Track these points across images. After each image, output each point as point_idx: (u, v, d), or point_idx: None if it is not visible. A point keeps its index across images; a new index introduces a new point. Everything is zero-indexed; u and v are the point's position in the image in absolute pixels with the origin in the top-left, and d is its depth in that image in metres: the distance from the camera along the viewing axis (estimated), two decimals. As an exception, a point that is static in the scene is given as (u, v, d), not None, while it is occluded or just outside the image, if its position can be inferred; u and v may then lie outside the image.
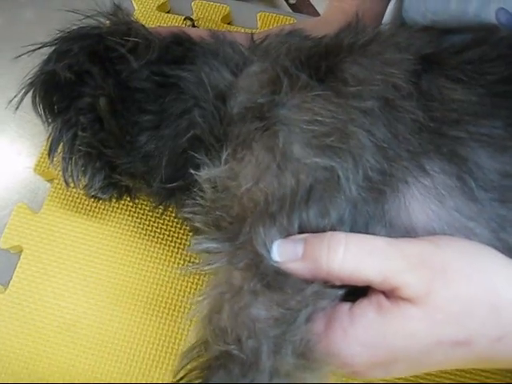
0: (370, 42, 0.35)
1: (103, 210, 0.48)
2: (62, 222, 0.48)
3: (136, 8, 0.58)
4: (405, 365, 0.28)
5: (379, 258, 0.26)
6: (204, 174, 0.32)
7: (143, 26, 0.40)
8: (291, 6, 1.62)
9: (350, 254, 0.26)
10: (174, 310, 0.44)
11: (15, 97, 0.40)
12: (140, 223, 0.47)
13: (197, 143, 0.35)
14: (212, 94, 0.35)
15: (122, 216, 0.48)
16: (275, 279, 0.27)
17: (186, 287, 0.45)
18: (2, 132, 0.54)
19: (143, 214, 0.48)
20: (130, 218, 0.47)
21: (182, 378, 0.28)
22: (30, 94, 0.40)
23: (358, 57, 0.33)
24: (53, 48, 0.39)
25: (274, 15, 0.57)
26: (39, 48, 0.40)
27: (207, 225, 0.32)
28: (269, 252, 0.28)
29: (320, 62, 0.34)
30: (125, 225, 0.47)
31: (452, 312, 0.26)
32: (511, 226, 0.29)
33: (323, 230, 0.29)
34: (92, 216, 0.48)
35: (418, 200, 0.30)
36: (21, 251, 0.47)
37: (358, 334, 0.27)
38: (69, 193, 0.49)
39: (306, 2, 1.59)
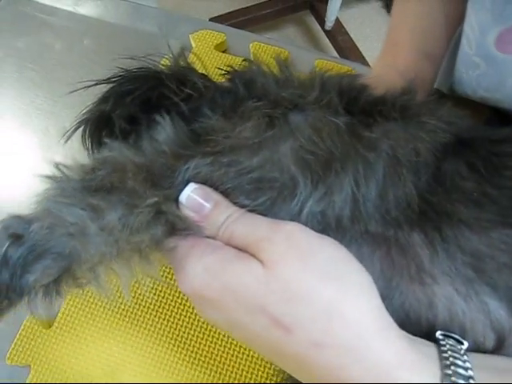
0: (415, 107, 0.34)
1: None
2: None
3: (194, 46, 0.59)
4: (228, 314, 0.28)
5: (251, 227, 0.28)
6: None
7: (200, 74, 0.39)
8: (326, 32, 1.62)
9: (238, 226, 0.29)
10: (218, 354, 0.44)
11: (68, 131, 0.40)
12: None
13: None
14: None
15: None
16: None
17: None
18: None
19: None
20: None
21: None
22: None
23: (397, 113, 0.33)
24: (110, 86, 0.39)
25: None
26: (96, 84, 0.40)
27: None
28: (182, 186, 0.30)
29: (360, 100, 0.33)
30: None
31: (288, 292, 0.26)
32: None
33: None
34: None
35: None
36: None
37: (208, 260, 0.28)
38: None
39: (342, 29, 1.59)
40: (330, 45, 1.63)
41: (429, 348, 0.27)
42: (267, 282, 0.26)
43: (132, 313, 0.45)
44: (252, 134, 0.31)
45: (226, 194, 0.30)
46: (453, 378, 0.24)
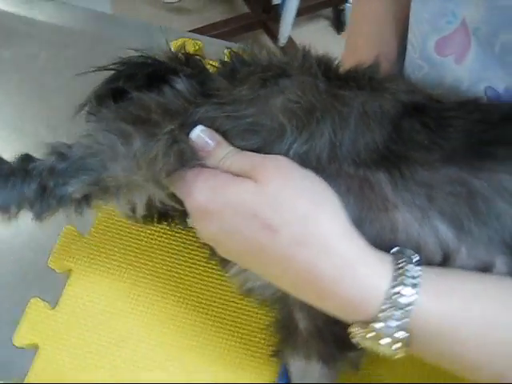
0: (380, 77, 0.41)
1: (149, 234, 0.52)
2: (110, 241, 0.51)
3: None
4: (226, 222, 0.34)
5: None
6: None
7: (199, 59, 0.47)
8: (280, 49, 1.72)
9: (236, 158, 0.36)
10: (225, 327, 0.48)
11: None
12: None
13: None
14: None
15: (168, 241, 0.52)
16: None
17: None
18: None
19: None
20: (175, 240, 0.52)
21: None
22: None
23: (366, 80, 0.40)
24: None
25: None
26: (103, 69, 0.45)
27: None
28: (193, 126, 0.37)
29: (335, 69, 0.41)
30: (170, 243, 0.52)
31: (275, 202, 0.33)
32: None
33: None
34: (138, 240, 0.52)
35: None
36: (70, 270, 0.50)
37: (212, 181, 0.35)
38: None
39: (294, 45, 1.69)
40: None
41: (386, 256, 0.34)
42: (259, 195, 0.34)
43: (135, 285, 0.50)
44: (248, 92, 0.38)
45: (225, 135, 0.37)
46: (402, 277, 0.31)
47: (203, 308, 0.49)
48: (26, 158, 0.37)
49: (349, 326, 0.35)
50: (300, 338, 0.44)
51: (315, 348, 0.43)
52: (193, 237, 0.52)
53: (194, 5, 1.86)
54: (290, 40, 1.68)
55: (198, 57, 0.46)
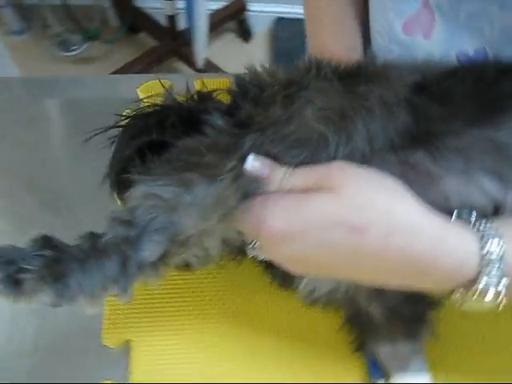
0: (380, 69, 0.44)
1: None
2: (156, 298, 0.50)
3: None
4: (310, 240, 0.35)
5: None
6: None
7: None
8: (199, 70, 1.73)
9: (295, 176, 0.37)
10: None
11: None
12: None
13: None
14: None
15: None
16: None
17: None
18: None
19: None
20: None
21: None
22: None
23: (371, 74, 0.43)
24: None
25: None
26: (109, 129, 0.45)
27: None
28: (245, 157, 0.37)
29: (341, 69, 0.43)
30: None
31: (355, 202, 0.35)
32: None
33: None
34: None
35: None
36: (127, 341, 0.48)
37: (282, 203, 0.36)
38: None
39: (210, 64, 1.71)
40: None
41: (459, 222, 0.36)
42: (337, 202, 0.35)
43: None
44: (282, 111, 0.39)
45: (275, 158, 0.38)
46: (486, 233, 0.35)
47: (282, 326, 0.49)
48: (92, 236, 0.35)
49: (419, 298, 0.38)
50: (379, 326, 0.46)
51: (396, 329, 0.45)
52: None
53: (97, 52, 1.83)
54: (206, 60, 1.70)
55: (206, 92, 0.47)
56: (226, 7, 1.85)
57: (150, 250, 0.34)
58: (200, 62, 1.66)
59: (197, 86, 0.65)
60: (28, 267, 0.31)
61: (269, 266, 0.47)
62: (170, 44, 1.75)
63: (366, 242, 0.34)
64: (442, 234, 0.35)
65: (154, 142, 0.41)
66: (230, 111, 0.41)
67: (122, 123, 0.45)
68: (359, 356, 0.48)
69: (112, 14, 1.86)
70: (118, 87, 0.67)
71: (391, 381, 0.45)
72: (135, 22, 1.83)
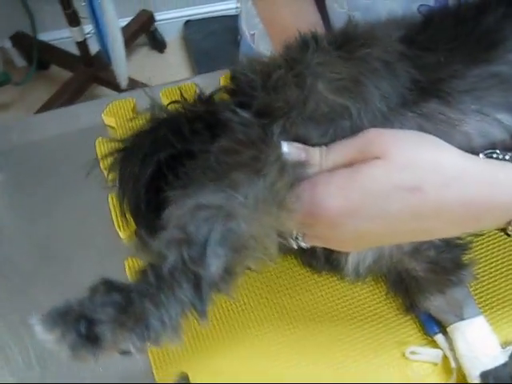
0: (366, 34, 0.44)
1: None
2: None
3: (108, 120, 0.61)
4: (370, 212, 0.35)
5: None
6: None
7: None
8: (123, 91, 1.67)
9: (333, 153, 0.37)
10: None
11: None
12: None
13: None
14: None
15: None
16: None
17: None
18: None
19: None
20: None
21: None
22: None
23: (363, 38, 0.42)
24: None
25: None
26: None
27: None
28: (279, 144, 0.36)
29: (336, 38, 0.43)
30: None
31: (404, 163, 0.35)
32: None
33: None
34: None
35: None
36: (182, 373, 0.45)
37: (334, 180, 0.35)
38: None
39: (135, 81, 1.66)
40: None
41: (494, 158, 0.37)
42: (389, 167, 0.34)
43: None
44: (296, 93, 0.38)
45: (306, 139, 0.37)
46: None
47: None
48: (152, 267, 0.31)
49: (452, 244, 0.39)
50: (425, 282, 0.46)
51: (441, 279, 0.46)
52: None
53: (11, 97, 1.72)
54: (129, 78, 1.65)
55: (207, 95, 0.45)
56: (134, 21, 1.80)
57: (216, 264, 0.32)
58: (124, 82, 1.60)
59: (163, 98, 0.62)
60: (102, 317, 0.28)
61: (309, 255, 0.46)
62: (87, 71, 1.68)
63: (425, 199, 0.34)
64: (490, 172, 0.35)
65: (171, 156, 0.38)
66: (244, 104, 0.39)
67: (128, 144, 0.41)
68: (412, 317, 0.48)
69: (15, 54, 1.75)
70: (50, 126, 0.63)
71: (449, 331, 0.46)
72: (43, 57, 1.74)
